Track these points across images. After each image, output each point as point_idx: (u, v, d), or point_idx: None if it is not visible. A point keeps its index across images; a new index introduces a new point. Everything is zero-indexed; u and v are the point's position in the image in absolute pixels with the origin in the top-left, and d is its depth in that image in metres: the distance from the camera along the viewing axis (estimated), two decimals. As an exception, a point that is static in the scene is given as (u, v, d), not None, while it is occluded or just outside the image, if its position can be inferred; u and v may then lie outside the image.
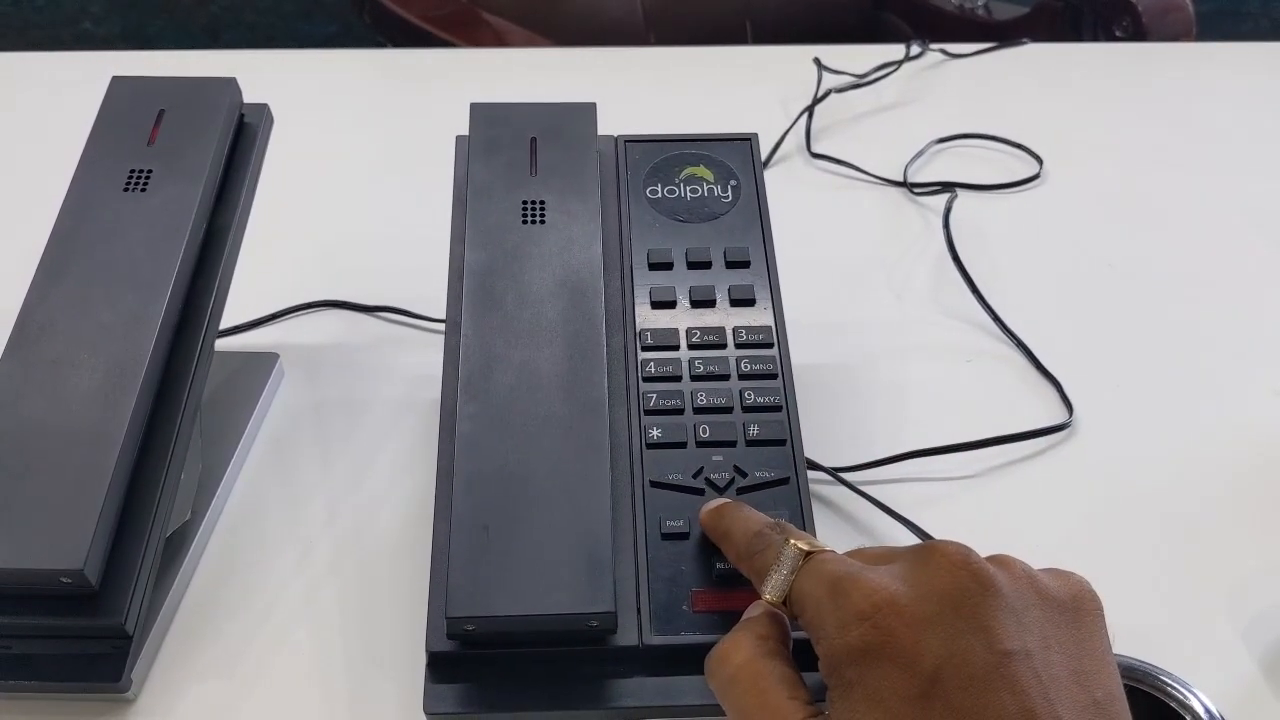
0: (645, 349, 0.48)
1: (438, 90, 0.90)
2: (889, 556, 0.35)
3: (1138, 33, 1.41)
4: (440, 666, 0.41)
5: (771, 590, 0.36)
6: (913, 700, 0.30)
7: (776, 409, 0.47)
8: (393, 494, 0.53)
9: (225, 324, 0.54)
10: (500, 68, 0.98)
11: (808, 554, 0.35)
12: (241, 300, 0.52)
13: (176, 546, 0.48)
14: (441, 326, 0.62)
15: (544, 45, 1.46)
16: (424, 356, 0.61)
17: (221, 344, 0.54)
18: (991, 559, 0.33)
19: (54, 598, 0.42)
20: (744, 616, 0.38)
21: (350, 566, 0.49)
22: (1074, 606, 0.34)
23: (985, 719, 0.30)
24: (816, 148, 0.81)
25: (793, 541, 0.36)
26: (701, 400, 0.47)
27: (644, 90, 0.89)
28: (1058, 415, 0.58)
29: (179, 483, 0.47)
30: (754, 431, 0.46)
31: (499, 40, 1.44)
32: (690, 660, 0.41)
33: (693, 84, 0.92)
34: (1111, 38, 1.44)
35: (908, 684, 0.30)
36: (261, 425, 0.56)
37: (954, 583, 0.32)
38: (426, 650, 0.41)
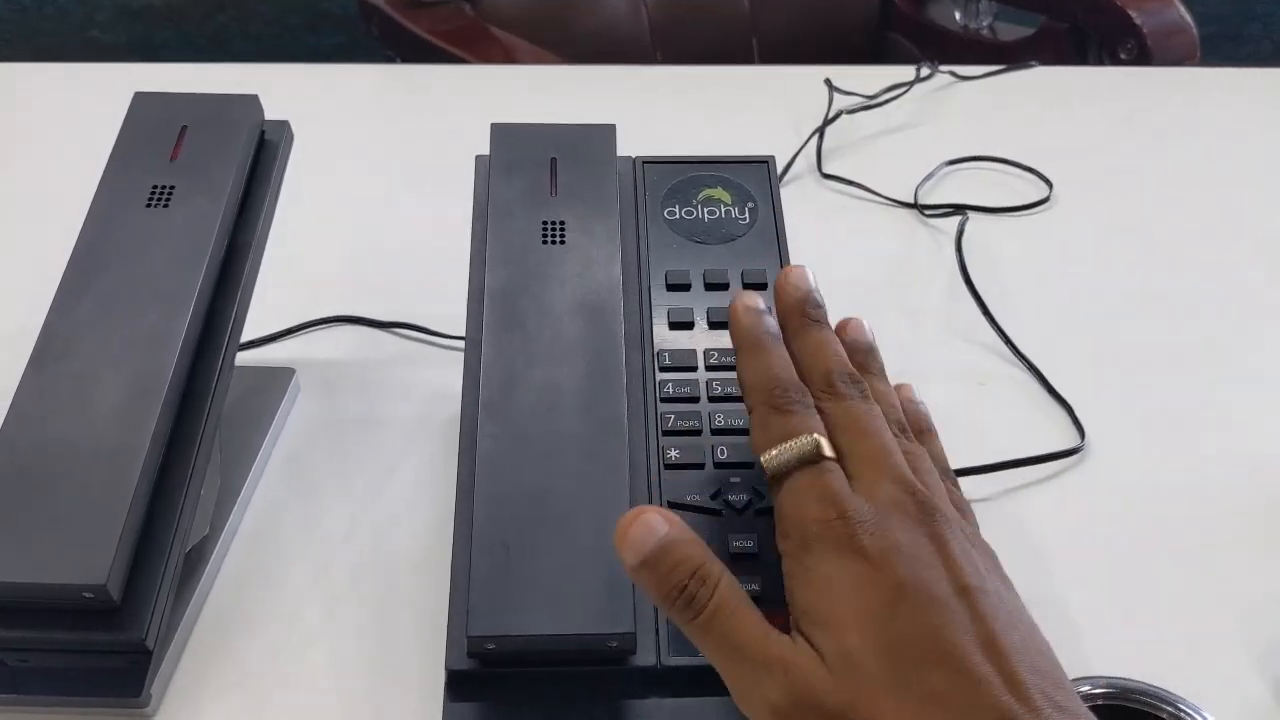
0: (663, 370, 0.49)
1: (453, 107, 0.90)
2: None
3: (1142, 55, 1.42)
4: (459, 685, 0.41)
5: (770, 461, 0.37)
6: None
7: (793, 431, 0.47)
8: (409, 511, 0.53)
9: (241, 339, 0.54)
10: (513, 85, 0.99)
11: (822, 458, 0.36)
12: (255, 315, 0.52)
13: (195, 562, 0.48)
14: (456, 343, 0.63)
15: (552, 61, 1.46)
16: (439, 373, 0.61)
17: (237, 359, 0.54)
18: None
19: (75, 612, 0.42)
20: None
21: (368, 583, 0.49)
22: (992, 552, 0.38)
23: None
24: (827, 168, 0.82)
25: (817, 436, 0.37)
26: (719, 422, 0.47)
27: (656, 109, 0.89)
28: (1069, 439, 0.58)
29: (199, 498, 0.47)
30: (771, 454, 0.46)
31: (507, 56, 1.44)
32: (708, 681, 0.41)
33: (704, 103, 0.92)
34: (1116, 60, 1.45)
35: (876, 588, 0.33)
36: (278, 441, 0.56)
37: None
38: (446, 668, 0.41)
